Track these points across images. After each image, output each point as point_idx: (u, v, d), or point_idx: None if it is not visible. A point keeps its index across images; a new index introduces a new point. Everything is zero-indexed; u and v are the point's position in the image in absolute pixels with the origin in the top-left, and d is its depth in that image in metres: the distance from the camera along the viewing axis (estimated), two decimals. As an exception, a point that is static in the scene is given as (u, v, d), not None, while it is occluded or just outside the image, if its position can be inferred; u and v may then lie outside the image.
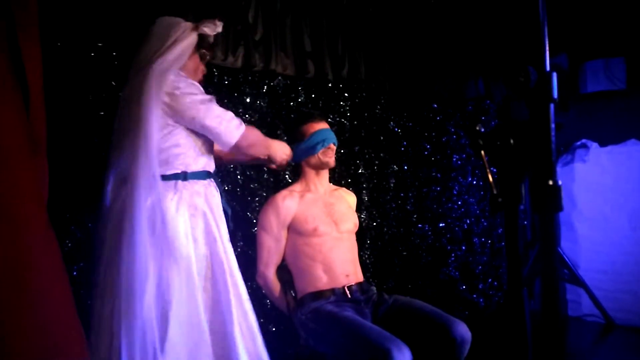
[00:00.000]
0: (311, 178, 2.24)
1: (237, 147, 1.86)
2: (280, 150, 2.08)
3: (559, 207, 0.70)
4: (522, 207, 0.76)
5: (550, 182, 0.69)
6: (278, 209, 2.11)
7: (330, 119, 3.13)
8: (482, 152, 0.76)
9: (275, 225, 2.12)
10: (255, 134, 1.96)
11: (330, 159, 2.21)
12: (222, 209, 1.92)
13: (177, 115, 1.76)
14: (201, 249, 1.79)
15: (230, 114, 1.84)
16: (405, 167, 3.53)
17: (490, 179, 0.74)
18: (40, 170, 1.39)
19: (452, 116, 3.80)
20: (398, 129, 3.51)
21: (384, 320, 2.02)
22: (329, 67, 3.11)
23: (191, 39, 1.85)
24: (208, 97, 1.81)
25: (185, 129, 1.81)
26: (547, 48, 0.72)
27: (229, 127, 1.82)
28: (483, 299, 3.82)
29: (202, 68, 1.98)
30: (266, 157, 2.06)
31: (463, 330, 1.87)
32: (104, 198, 1.77)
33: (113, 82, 2.26)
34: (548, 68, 0.72)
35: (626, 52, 3.80)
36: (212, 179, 1.92)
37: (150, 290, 1.63)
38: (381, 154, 3.40)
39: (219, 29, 1.91)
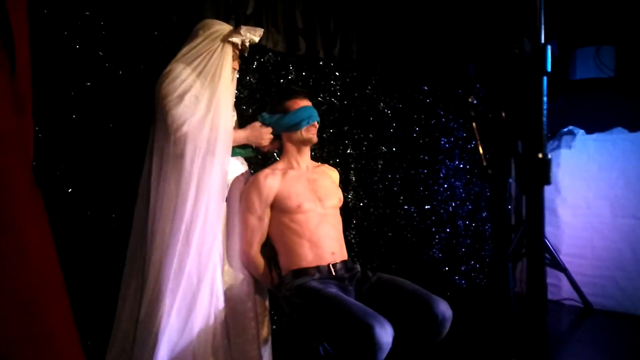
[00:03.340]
0: (293, 155, 2.25)
1: None
2: (256, 138, 2.20)
3: (547, 181, 0.71)
4: (510, 180, 0.77)
5: (540, 155, 0.69)
6: (260, 188, 2.11)
7: (320, 97, 3.11)
8: (474, 123, 0.75)
9: (257, 204, 2.11)
10: None
11: (313, 136, 2.23)
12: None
13: None
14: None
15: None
16: (394, 149, 3.53)
17: (481, 150, 0.74)
18: (25, 128, 1.40)
19: (442, 99, 3.80)
20: (388, 110, 3.51)
21: (367, 297, 2.03)
22: (321, 45, 3.07)
23: (228, 57, 2.02)
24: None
25: None
26: (543, 20, 0.71)
27: None
28: (465, 280, 3.88)
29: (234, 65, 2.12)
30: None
31: (444, 308, 1.89)
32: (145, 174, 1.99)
33: (100, 52, 2.22)
34: (543, 40, 0.71)
35: (616, 40, 3.82)
36: None
37: None
38: (370, 135, 3.39)
39: (248, 38, 2.06)
